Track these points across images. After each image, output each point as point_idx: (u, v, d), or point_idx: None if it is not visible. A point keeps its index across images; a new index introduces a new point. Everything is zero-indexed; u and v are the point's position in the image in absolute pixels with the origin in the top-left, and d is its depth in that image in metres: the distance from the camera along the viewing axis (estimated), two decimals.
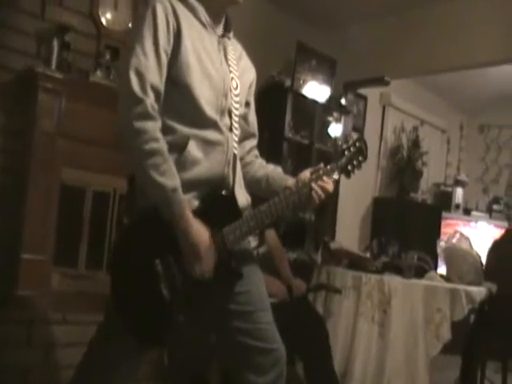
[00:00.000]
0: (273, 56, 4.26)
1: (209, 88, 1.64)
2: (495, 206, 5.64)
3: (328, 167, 1.75)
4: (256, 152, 1.94)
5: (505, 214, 5.67)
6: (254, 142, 1.93)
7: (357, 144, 1.78)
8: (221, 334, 1.77)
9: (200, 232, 1.56)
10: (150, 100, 1.53)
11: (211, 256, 1.58)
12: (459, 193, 5.75)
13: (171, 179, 1.52)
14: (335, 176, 1.75)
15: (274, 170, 1.88)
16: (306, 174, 1.78)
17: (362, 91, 5.15)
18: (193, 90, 1.60)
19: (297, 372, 2.78)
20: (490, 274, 3.70)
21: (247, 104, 1.86)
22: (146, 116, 1.52)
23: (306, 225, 3.83)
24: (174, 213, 1.53)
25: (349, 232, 4.94)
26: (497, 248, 4.01)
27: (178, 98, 1.61)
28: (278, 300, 2.62)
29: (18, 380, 2.55)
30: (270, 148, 3.81)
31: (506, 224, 5.53)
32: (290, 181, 1.80)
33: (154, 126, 1.53)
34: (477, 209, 5.95)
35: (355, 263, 3.28)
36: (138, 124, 1.51)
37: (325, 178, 1.73)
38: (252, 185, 1.86)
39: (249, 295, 1.73)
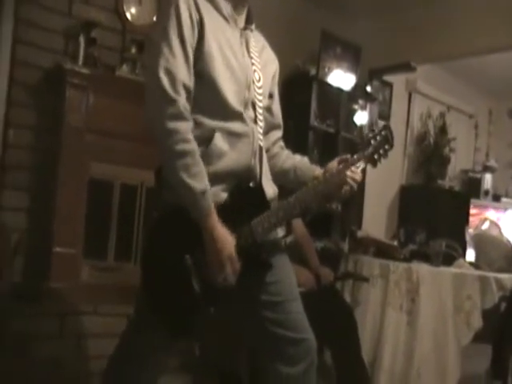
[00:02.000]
0: (297, 45, 4.24)
1: (232, 80, 1.64)
2: None
3: (355, 157, 1.73)
4: (282, 143, 1.93)
5: None
6: (279, 133, 1.93)
7: (382, 132, 1.76)
8: (251, 324, 1.78)
9: (225, 239, 1.56)
10: (183, 100, 1.54)
11: (235, 264, 1.58)
12: (488, 179, 5.66)
13: (200, 182, 1.52)
14: (362, 165, 1.74)
15: (301, 161, 1.88)
16: (333, 163, 1.77)
17: (388, 78, 5.10)
18: (217, 82, 1.60)
19: (325, 361, 2.79)
20: None
21: (271, 95, 1.86)
22: (179, 116, 1.53)
23: (332, 214, 3.83)
24: (201, 216, 1.54)
25: (376, 220, 4.91)
26: None
27: (203, 91, 1.61)
28: (305, 289, 2.63)
29: (51, 371, 2.61)
30: (295, 137, 3.81)
31: None
32: (318, 171, 1.80)
33: (186, 127, 1.54)
34: (506, 195, 5.85)
35: (382, 251, 3.26)
36: (171, 124, 1.51)
37: (353, 167, 1.72)
38: (279, 176, 1.86)
39: (279, 285, 1.73)
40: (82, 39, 3.01)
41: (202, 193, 1.52)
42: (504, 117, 6.44)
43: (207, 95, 1.61)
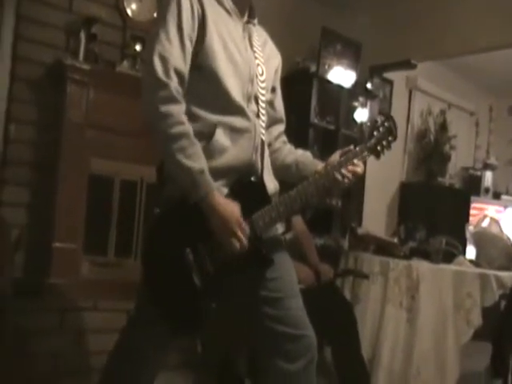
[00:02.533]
0: (298, 42, 4.23)
1: (234, 74, 1.64)
2: None
3: (357, 149, 1.72)
4: (284, 138, 1.93)
5: None
6: (281, 127, 1.93)
7: (385, 124, 1.75)
8: (251, 320, 1.78)
9: (229, 207, 1.56)
10: (174, 84, 1.54)
11: (243, 228, 1.58)
12: (488, 176, 5.65)
13: (198, 162, 1.52)
14: (365, 157, 1.73)
15: (303, 155, 1.88)
16: (335, 156, 1.76)
17: (388, 75, 5.09)
18: (219, 76, 1.60)
19: (325, 357, 2.79)
20: None
21: (273, 90, 1.86)
22: (171, 99, 1.53)
23: (332, 210, 3.82)
24: (201, 194, 1.53)
25: (376, 217, 4.91)
26: None
27: (204, 86, 1.61)
28: (305, 286, 2.63)
29: (50, 366, 2.62)
30: (295, 134, 3.76)
31: None
32: (320, 165, 1.79)
33: (179, 110, 1.54)
34: (507, 193, 5.84)
35: (382, 249, 3.26)
36: (164, 108, 1.52)
37: (355, 160, 1.71)
38: (282, 171, 1.86)
39: (279, 282, 1.73)
40: (82, 35, 3.01)
41: (200, 172, 1.52)
42: (504, 114, 6.43)
43: (209, 89, 1.62)
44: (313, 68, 4.29)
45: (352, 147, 1.75)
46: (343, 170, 1.69)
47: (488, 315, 3.15)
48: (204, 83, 1.61)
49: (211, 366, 2.91)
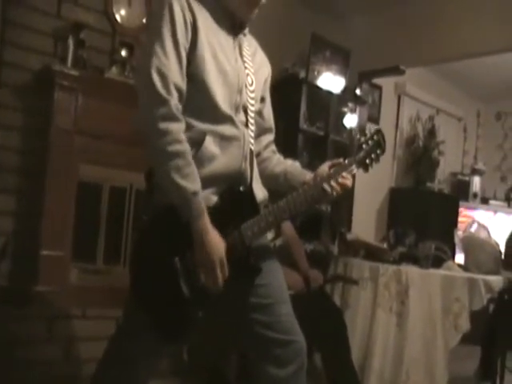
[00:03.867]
0: (287, 48, 4.24)
1: (224, 84, 1.64)
2: None
3: (346, 161, 1.72)
4: (273, 147, 1.93)
5: None
6: (270, 137, 1.92)
7: (374, 137, 1.76)
8: (241, 327, 1.77)
9: (216, 241, 1.56)
10: (174, 101, 1.53)
11: (224, 268, 1.57)
12: (477, 182, 5.70)
13: (193, 183, 1.52)
14: (354, 170, 1.73)
15: (292, 165, 1.87)
16: (324, 168, 1.76)
17: (377, 81, 5.12)
18: (208, 86, 1.60)
19: (315, 363, 2.79)
20: (510, 263, 3.68)
21: (263, 100, 1.86)
22: (171, 117, 1.52)
23: (322, 216, 3.83)
24: (192, 217, 1.53)
25: (365, 223, 4.93)
26: None
27: (194, 94, 1.60)
28: (295, 292, 2.63)
29: (40, 374, 2.59)
30: (285, 140, 3.76)
31: None
32: (309, 175, 1.79)
33: (178, 128, 1.53)
34: (495, 198, 5.88)
35: (372, 254, 3.27)
36: (163, 125, 1.51)
37: (343, 173, 1.71)
38: (270, 180, 1.86)
39: (268, 288, 1.73)
40: (70, 41, 3.00)
41: (194, 193, 1.51)
42: (492, 120, 6.49)
43: (198, 98, 1.61)
44: (302, 74, 4.31)
45: (341, 160, 1.75)
46: (332, 182, 1.70)
47: (476, 319, 3.16)
48: (194, 92, 1.60)
49: (199, 373, 2.89)
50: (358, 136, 4.22)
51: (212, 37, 1.64)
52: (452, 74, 5.61)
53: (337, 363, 2.68)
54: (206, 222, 1.54)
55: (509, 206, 5.67)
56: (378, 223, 5.18)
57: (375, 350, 2.90)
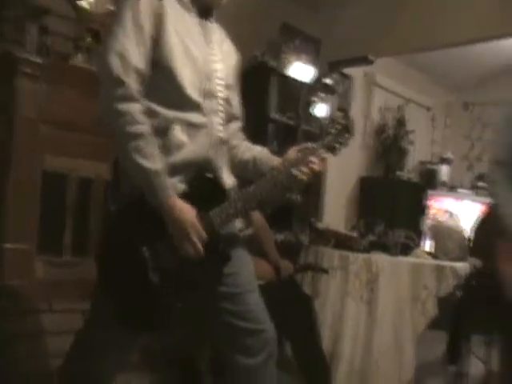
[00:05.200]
0: (257, 36, 4.22)
1: (192, 71, 1.62)
2: (480, 183, 5.66)
3: (314, 146, 1.73)
4: (242, 134, 1.92)
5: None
6: (238, 124, 1.91)
7: (342, 121, 1.76)
8: (210, 316, 1.77)
9: (185, 210, 1.56)
10: (132, 82, 1.53)
11: (199, 233, 1.57)
12: (445, 170, 5.78)
13: (153, 162, 1.51)
14: (322, 154, 1.73)
15: (260, 152, 1.87)
16: (292, 153, 1.76)
17: (347, 71, 5.13)
18: (175, 72, 1.59)
19: (285, 352, 2.80)
20: (477, 249, 3.74)
21: (231, 87, 1.85)
22: (129, 98, 1.52)
23: (292, 206, 3.83)
24: (157, 195, 1.52)
25: (336, 212, 4.95)
26: (482, 224, 4.05)
27: (161, 81, 1.59)
28: (265, 281, 2.62)
29: (7, 370, 2.54)
30: (254, 130, 3.75)
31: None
32: (277, 161, 1.79)
33: (136, 108, 1.53)
34: (462, 186, 5.98)
35: (342, 243, 3.28)
36: (121, 106, 1.50)
37: (311, 157, 1.72)
38: (239, 167, 1.85)
39: (237, 277, 1.73)
40: (33, 27, 2.91)
41: (156, 172, 1.51)
42: (460, 109, 6.58)
43: (165, 85, 1.60)
44: (272, 63, 4.29)
45: (309, 144, 1.76)
46: (300, 167, 1.70)
47: (443, 305, 3.21)
48: (160, 79, 1.59)
49: (172, 364, 2.87)
50: (327, 121, 4.23)
51: (179, 23, 1.63)
52: (421, 64, 5.66)
53: (307, 352, 2.69)
54: (173, 198, 1.54)
55: (476, 194, 5.76)
56: (349, 212, 5.21)
57: (345, 338, 2.92)
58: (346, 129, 1.75)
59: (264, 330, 1.73)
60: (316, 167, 1.72)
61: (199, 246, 1.57)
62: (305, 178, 1.71)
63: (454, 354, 3.89)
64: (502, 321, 2.68)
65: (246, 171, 1.86)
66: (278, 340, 2.60)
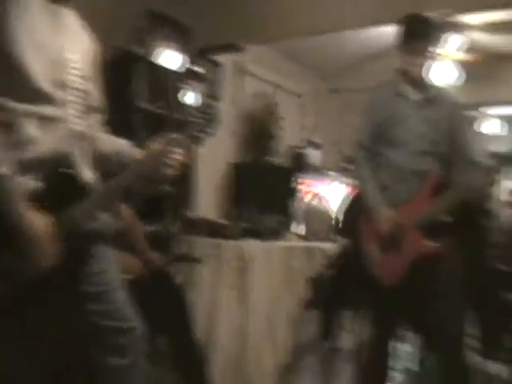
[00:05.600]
0: (123, 23, 4.07)
1: (42, 60, 1.52)
2: (347, 166, 5.94)
3: (178, 136, 1.71)
4: (103, 127, 1.85)
5: None
6: (99, 116, 1.84)
7: (208, 110, 1.77)
8: (76, 318, 1.70)
9: (37, 222, 1.47)
10: None
11: (52, 245, 1.49)
12: (314, 154, 5.99)
13: None
14: (187, 144, 1.72)
15: (124, 144, 1.83)
16: (155, 144, 1.73)
17: (217, 58, 5.13)
18: (22, 62, 1.48)
19: (159, 347, 2.76)
20: (344, 230, 3.93)
21: (89, 77, 1.77)
22: None
23: (163, 196, 3.77)
24: (2, 201, 1.42)
25: (208, 200, 4.94)
26: (349, 205, 4.26)
27: (7, 74, 1.48)
28: (135, 276, 2.57)
29: None
30: (123, 120, 3.68)
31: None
32: (140, 153, 1.75)
33: None
34: (331, 169, 6.23)
35: (214, 231, 3.30)
36: None
37: (175, 148, 1.70)
38: (101, 161, 1.78)
39: (102, 275, 1.69)
40: None
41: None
42: (328, 95, 6.84)
43: (12, 77, 1.49)
44: (139, 50, 4.17)
45: (174, 134, 1.74)
46: (164, 159, 1.68)
47: (315, 285, 3.35)
48: (7, 71, 1.48)
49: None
50: (192, 110, 4.21)
51: (28, 8, 1.51)
52: (291, 50, 5.78)
53: (181, 345, 2.68)
54: (21, 205, 1.44)
55: (343, 176, 6.04)
56: (221, 200, 5.22)
57: (220, 326, 2.94)
58: (211, 118, 1.76)
59: (133, 327, 1.71)
60: (180, 158, 1.71)
61: (51, 258, 1.49)
62: (169, 169, 1.70)
63: (327, 331, 4.09)
64: (368, 295, 2.87)
65: (108, 165, 1.80)
66: (151, 335, 2.57)
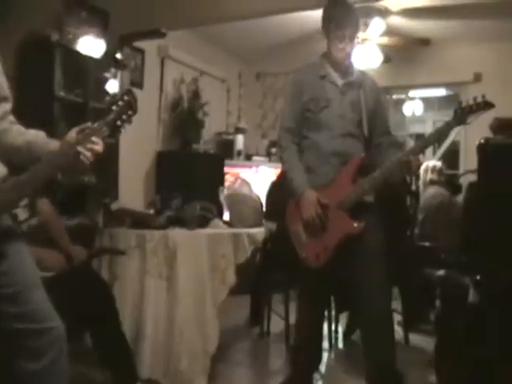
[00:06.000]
0: (35, 6, 3.88)
1: None
2: (273, 150, 6.01)
3: (95, 125, 1.67)
4: (11, 118, 1.78)
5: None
6: (6, 106, 1.77)
7: (125, 98, 1.73)
8: None
9: None
10: None
11: None
12: (240, 140, 6.00)
13: None
14: (105, 133, 1.68)
15: (35, 135, 1.75)
16: (71, 134, 1.68)
17: (139, 44, 5.02)
18: None
19: (85, 343, 2.71)
20: (270, 214, 3.98)
21: None
22: None
23: (86, 187, 3.67)
24: None
25: (133, 190, 4.87)
26: (274, 189, 4.32)
27: None
28: (57, 272, 2.50)
29: None
30: (38, 110, 3.54)
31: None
32: (55, 144, 1.70)
33: None
34: (257, 154, 6.28)
35: (139, 222, 3.23)
36: None
37: (93, 137, 1.66)
38: (11, 154, 1.72)
39: (14, 275, 1.63)
40: None
41: None
42: (253, 80, 6.87)
43: None
44: (55, 36, 4.00)
45: (89, 124, 1.70)
46: (81, 148, 1.64)
47: (243, 271, 3.38)
48: None
49: None
50: (108, 99, 4.11)
51: None
52: (214, 36, 5.75)
53: (108, 339, 2.63)
54: None
55: (270, 160, 6.10)
56: (146, 188, 5.16)
57: (147, 317, 2.91)
58: (129, 106, 1.72)
59: (51, 327, 1.66)
60: (98, 148, 1.67)
61: None
62: (86, 159, 1.66)
63: (257, 315, 4.15)
64: (296, 278, 2.92)
65: (19, 157, 1.73)
66: (77, 331, 2.52)
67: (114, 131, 1.74)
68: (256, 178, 5.66)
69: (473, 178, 3.05)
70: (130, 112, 1.74)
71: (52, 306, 1.71)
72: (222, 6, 4.25)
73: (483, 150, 2.51)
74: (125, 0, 4.46)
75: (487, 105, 2.29)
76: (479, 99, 2.30)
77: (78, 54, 4.14)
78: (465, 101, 2.34)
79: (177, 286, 2.94)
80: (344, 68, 2.67)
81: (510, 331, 2.30)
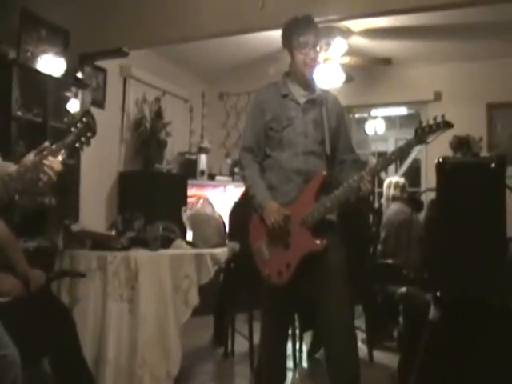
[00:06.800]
0: None
1: None
2: (236, 169, 5.99)
3: (53, 146, 1.67)
4: None
5: None
6: None
7: (84, 119, 1.72)
8: None
9: None
10: None
11: None
12: (203, 159, 5.97)
13: None
14: (62, 155, 1.67)
15: None
16: (29, 157, 1.68)
17: (101, 63, 4.98)
18: None
19: (44, 369, 2.62)
20: (233, 233, 3.96)
21: None
22: None
23: (45, 209, 3.59)
24: None
25: (94, 211, 4.79)
26: (237, 208, 4.31)
27: None
28: (13, 297, 2.42)
29: None
30: None
31: None
32: (12, 167, 1.67)
33: None
34: (220, 173, 6.27)
35: (100, 243, 3.18)
36: None
37: (50, 157, 1.64)
38: None
39: None
40: None
41: None
42: (216, 100, 6.89)
43: None
44: (12, 54, 3.94)
45: (47, 144, 1.68)
46: (37, 171, 1.61)
47: (206, 291, 3.34)
48: None
49: None
50: (68, 120, 4.07)
51: None
52: (177, 56, 5.75)
53: (67, 364, 2.55)
54: None
55: (233, 180, 6.09)
56: (108, 210, 5.09)
57: (109, 340, 2.84)
58: (89, 127, 1.72)
59: (4, 355, 1.62)
60: (56, 168, 1.66)
61: None
62: (42, 181, 1.64)
63: (221, 335, 4.11)
64: (259, 297, 2.90)
65: None
66: (34, 357, 2.44)
67: (73, 153, 1.72)
68: (220, 198, 5.65)
69: (433, 195, 3.11)
70: (89, 134, 1.74)
71: (4, 332, 1.65)
72: (185, 26, 4.27)
73: (441, 168, 2.56)
74: (86, 19, 4.44)
75: (446, 125, 2.34)
76: (439, 119, 2.34)
77: (37, 72, 4.09)
78: (425, 120, 2.38)
79: (139, 308, 2.90)
80: (306, 86, 2.69)
81: (470, 347, 2.34)
